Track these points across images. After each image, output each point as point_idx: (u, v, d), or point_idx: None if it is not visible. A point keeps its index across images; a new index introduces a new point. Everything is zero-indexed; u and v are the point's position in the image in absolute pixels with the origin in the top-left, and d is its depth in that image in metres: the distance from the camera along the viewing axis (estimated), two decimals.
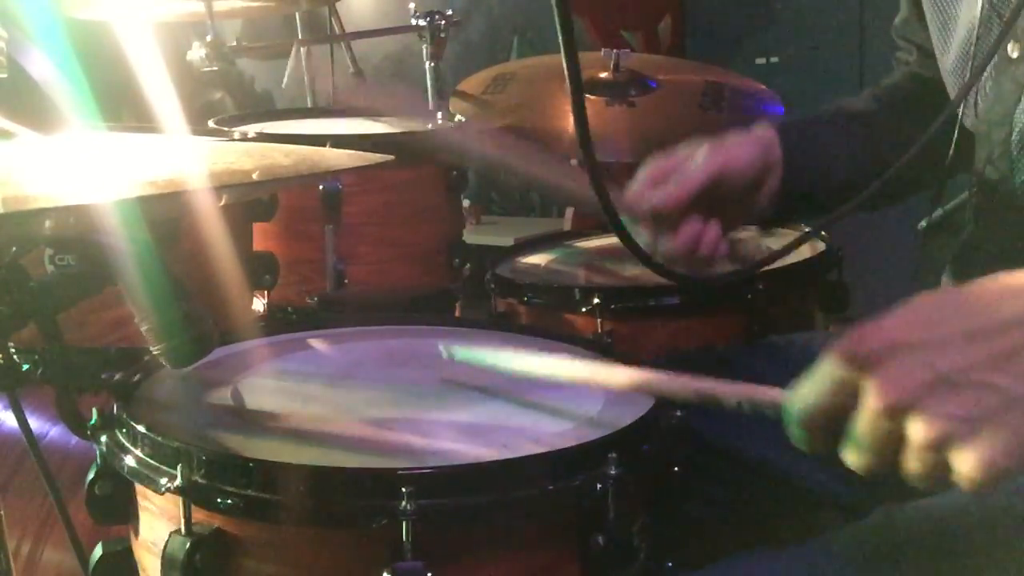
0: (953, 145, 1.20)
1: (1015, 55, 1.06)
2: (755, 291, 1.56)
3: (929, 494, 0.98)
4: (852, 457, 0.75)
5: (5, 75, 1.37)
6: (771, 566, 0.93)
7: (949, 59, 1.21)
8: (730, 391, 0.86)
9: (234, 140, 1.75)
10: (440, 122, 2.03)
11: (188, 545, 0.93)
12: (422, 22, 2.29)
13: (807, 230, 1.89)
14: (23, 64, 1.49)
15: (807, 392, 0.77)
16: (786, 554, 0.93)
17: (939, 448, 0.71)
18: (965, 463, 0.70)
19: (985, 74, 1.12)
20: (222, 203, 1.17)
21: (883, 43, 3.06)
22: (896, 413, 0.71)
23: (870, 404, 0.72)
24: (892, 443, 0.73)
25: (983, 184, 1.12)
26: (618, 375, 1.01)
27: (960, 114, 1.18)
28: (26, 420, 1.15)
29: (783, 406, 0.79)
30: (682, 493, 1.04)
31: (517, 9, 4.16)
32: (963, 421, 0.70)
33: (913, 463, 0.72)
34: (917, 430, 0.71)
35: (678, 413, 1.06)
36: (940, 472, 0.72)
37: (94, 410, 1.07)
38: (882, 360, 0.72)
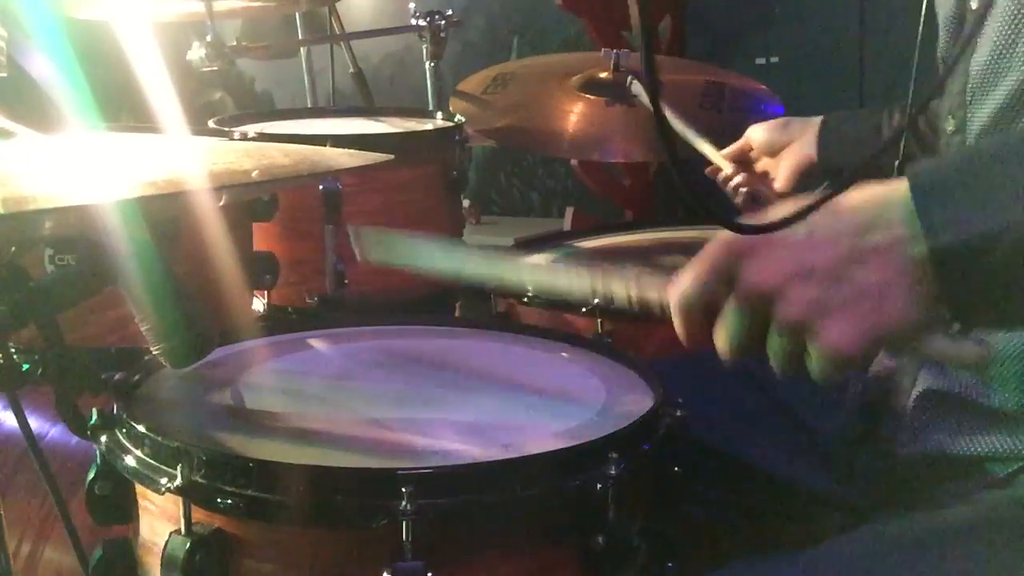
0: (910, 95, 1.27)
1: (974, 5, 1.07)
2: None
3: (924, 497, 0.99)
4: (721, 340, 0.83)
5: (5, 74, 1.37)
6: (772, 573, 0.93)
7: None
8: (622, 286, 0.91)
9: (234, 140, 1.75)
10: (440, 122, 2.03)
11: (188, 545, 0.93)
12: (422, 22, 2.29)
13: None
14: (23, 64, 1.49)
15: (686, 280, 0.84)
16: (786, 561, 0.93)
17: (795, 331, 0.79)
18: (816, 346, 0.78)
19: (959, 34, 1.12)
20: (222, 203, 1.17)
21: (883, 43, 3.06)
22: (762, 296, 0.80)
23: (740, 288, 0.81)
24: (757, 327, 0.81)
25: (944, 140, 1.13)
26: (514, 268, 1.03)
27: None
28: (26, 420, 1.15)
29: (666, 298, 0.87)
30: (682, 493, 1.04)
31: (517, 9, 4.16)
32: (818, 306, 0.78)
33: (773, 346, 0.81)
34: (778, 312, 0.79)
35: (678, 413, 1.06)
36: (796, 357, 0.80)
37: (94, 410, 1.06)
38: (754, 251, 0.80)
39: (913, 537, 0.93)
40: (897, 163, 1.27)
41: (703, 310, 0.83)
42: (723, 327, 0.82)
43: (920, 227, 0.78)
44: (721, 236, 0.82)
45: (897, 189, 0.80)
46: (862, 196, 0.81)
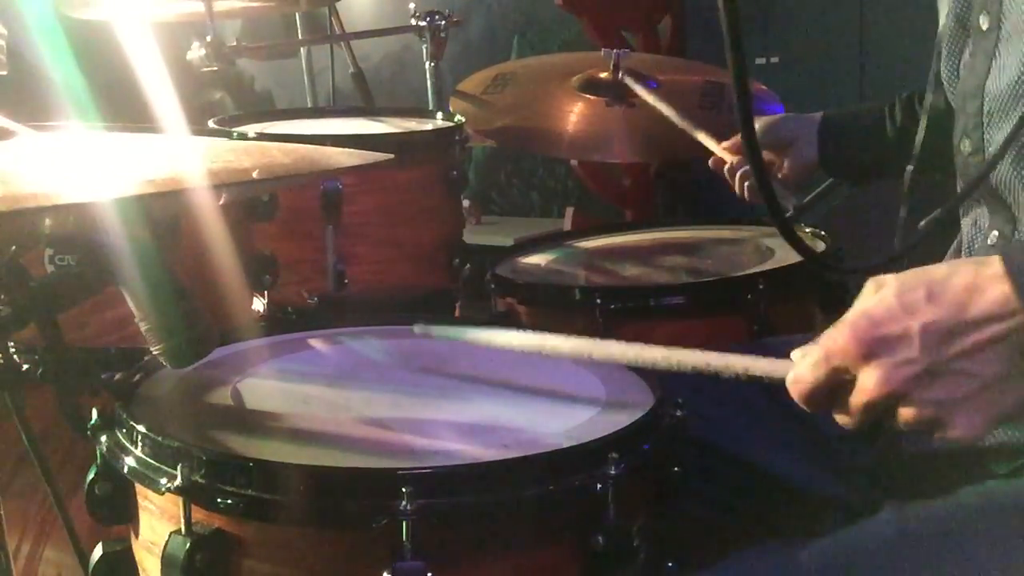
0: (923, 127, 1.27)
1: (985, 27, 1.07)
2: (755, 291, 1.56)
3: (931, 497, 0.99)
4: (845, 420, 0.88)
5: (5, 72, 1.37)
6: (780, 564, 0.93)
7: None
8: (734, 362, 0.93)
9: (234, 140, 1.75)
10: (440, 122, 2.03)
11: (188, 545, 0.93)
12: (422, 22, 2.30)
13: (808, 230, 1.90)
14: (33, 60, 1.49)
15: (805, 375, 0.88)
16: (793, 552, 0.94)
17: (922, 428, 0.84)
18: (945, 435, 0.84)
19: (965, 48, 1.13)
20: (221, 202, 1.17)
21: (883, 43, 3.06)
22: (888, 401, 0.84)
23: (864, 392, 0.84)
24: (883, 416, 0.86)
25: (960, 160, 1.13)
26: (619, 351, 1.02)
27: (930, 93, 1.25)
28: (26, 420, 1.15)
29: (783, 381, 0.90)
30: (682, 493, 1.04)
31: (517, 9, 4.16)
32: (944, 404, 0.83)
33: (897, 427, 0.86)
34: (906, 414, 0.84)
35: (678, 413, 1.06)
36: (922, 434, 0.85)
37: (94, 410, 1.07)
38: (873, 355, 0.84)
39: (920, 525, 0.94)
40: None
41: (823, 399, 0.88)
42: (847, 412, 0.87)
43: None
44: (835, 334, 0.86)
45: (996, 274, 0.83)
46: (960, 282, 0.84)
